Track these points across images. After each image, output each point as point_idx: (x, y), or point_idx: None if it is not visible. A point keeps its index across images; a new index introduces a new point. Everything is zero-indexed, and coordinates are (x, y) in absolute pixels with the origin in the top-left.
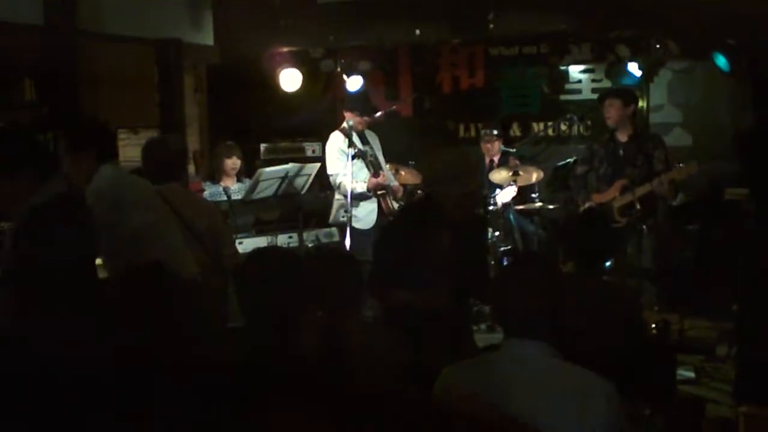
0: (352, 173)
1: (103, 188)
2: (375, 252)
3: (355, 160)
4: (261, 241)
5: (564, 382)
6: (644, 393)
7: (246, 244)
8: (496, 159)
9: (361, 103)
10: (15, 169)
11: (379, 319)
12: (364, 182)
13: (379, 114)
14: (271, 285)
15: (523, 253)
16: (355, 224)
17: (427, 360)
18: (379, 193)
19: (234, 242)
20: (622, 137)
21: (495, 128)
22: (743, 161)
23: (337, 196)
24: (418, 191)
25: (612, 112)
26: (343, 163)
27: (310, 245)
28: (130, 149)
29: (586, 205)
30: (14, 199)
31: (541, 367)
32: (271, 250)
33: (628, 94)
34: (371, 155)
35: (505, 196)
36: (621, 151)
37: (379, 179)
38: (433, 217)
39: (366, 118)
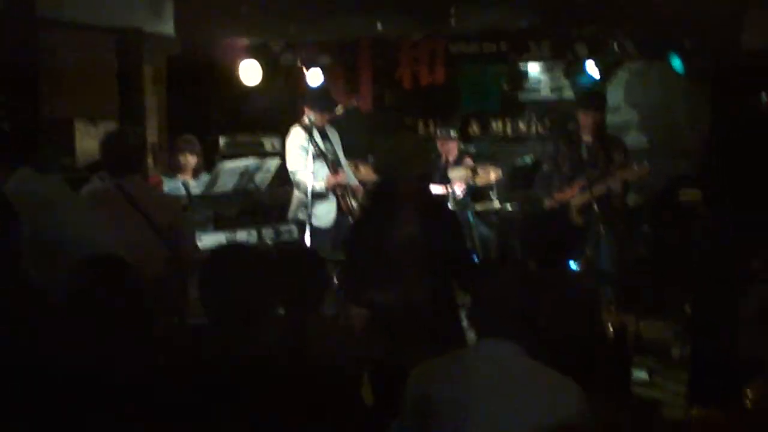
0: (312, 171)
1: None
2: (344, 254)
3: (315, 160)
4: (220, 237)
5: (535, 383)
6: (600, 393)
7: (205, 240)
8: (451, 158)
9: (322, 99)
10: None
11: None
12: (323, 180)
13: (339, 111)
14: (234, 281)
15: (496, 254)
16: (314, 222)
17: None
18: (338, 191)
19: (194, 237)
20: (586, 138)
21: (452, 128)
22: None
23: (296, 192)
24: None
25: (589, 121)
26: (303, 159)
27: (269, 241)
28: (88, 140)
29: (547, 202)
30: None
31: (513, 367)
32: (235, 246)
33: (602, 101)
34: (331, 152)
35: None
36: (584, 152)
37: (338, 178)
38: (396, 207)
39: (326, 115)
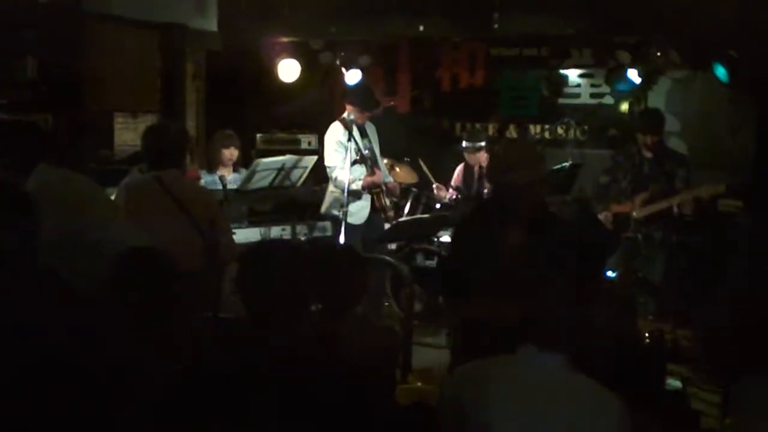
0: (349, 168)
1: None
2: (449, 257)
3: (352, 157)
4: (254, 233)
5: (576, 396)
6: (634, 401)
7: (239, 235)
8: (485, 164)
9: (363, 97)
10: None
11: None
12: (360, 179)
13: (378, 109)
14: (276, 276)
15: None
16: (348, 219)
17: None
18: (373, 191)
19: (230, 231)
20: (648, 153)
21: (479, 139)
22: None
23: (331, 188)
24: (413, 189)
25: (648, 141)
26: (341, 155)
27: (303, 238)
28: (127, 133)
29: (603, 214)
30: None
31: (557, 379)
32: (277, 242)
33: (661, 124)
34: (369, 150)
35: None
36: (645, 167)
37: (374, 178)
38: (507, 215)
39: (367, 113)
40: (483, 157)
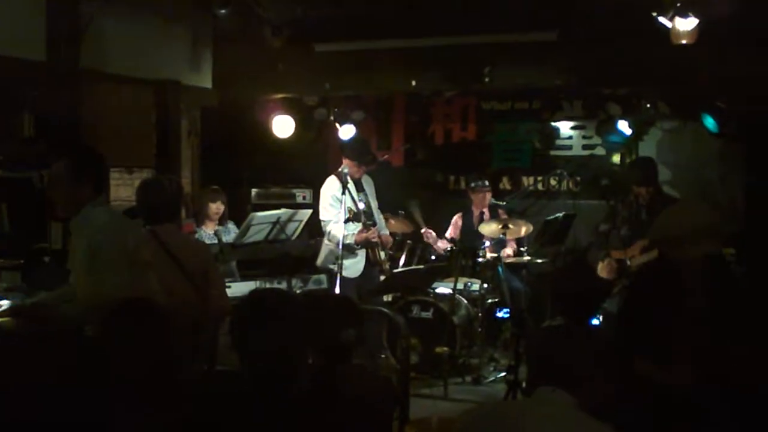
0: (344, 222)
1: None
2: (620, 314)
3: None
4: (249, 286)
5: None
6: None
7: (234, 289)
8: (486, 211)
9: (360, 151)
10: (86, 178)
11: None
12: (353, 235)
13: (373, 164)
14: (271, 327)
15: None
16: (343, 272)
17: None
18: (368, 246)
19: (224, 284)
20: (644, 202)
21: (485, 180)
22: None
23: (326, 241)
24: (408, 241)
25: (642, 192)
26: (336, 210)
27: (297, 291)
28: (123, 189)
29: (605, 261)
30: (78, 203)
31: (566, 422)
32: (272, 291)
33: (655, 177)
34: (365, 204)
35: (503, 251)
36: (643, 215)
37: (368, 234)
38: (684, 283)
39: (363, 167)
40: (486, 200)
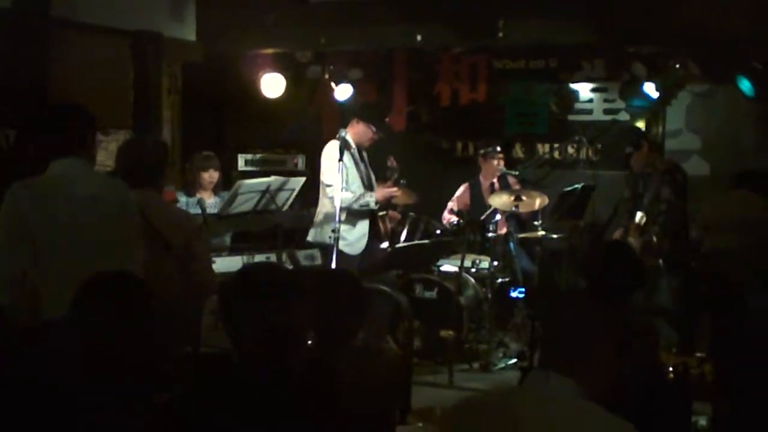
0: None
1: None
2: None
3: (350, 171)
4: (236, 261)
5: (583, 425)
6: None
7: (220, 264)
8: (496, 181)
9: (377, 113)
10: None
11: None
12: (371, 195)
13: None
14: (266, 304)
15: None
16: (343, 247)
17: None
18: (380, 213)
19: (209, 259)
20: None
21: (497, 146)
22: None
23: (324, 211)
24: (410, 213)
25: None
26: (340, 174)
27: (288, 267)
28: (99, 152)
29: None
30: None
31: (561, 406)
32: (264, 266)
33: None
34: (365, 171)
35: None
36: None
37: (390, 189)
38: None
39: (376, 134)
40: (498, 168)
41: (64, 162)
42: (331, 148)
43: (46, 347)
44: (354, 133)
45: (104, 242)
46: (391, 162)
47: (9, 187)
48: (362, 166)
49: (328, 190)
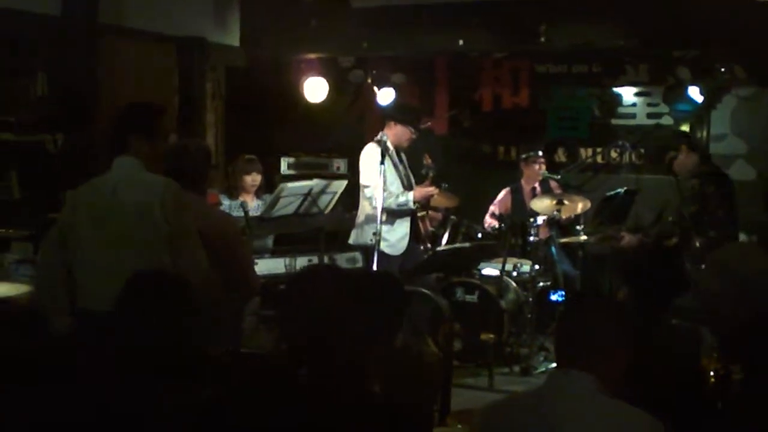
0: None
1: None
2: None
3: (388, 172)
4: (278, 263)
5: (610, 420)
6: None
7: (262, 266)
8: (538, 186)
9: (413, 115)
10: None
11: None
12: (409, 194)
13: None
14: (323, 307)
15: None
16: (385, 248)
17: None
18: (420, 213)
19: (251, 261)
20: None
21: (539, 151)
22: None
23: (365, 213)
24: (452, 216)
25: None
26: (379, 175)
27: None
28: None
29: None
30: None
31: (586, 403)
32: (326, 268)
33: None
34: (404, 174)
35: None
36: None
37: (429, 189)
38: None
39: (414, 134)
40: (540, 172)
41: (119, 161)
42: (369, 151)
43: (84, 341)
44: (392, 134)
45: (145, 241)
46: (427, 160)
47: (59, 190)
48: (401, 168)
49: (366, 191)
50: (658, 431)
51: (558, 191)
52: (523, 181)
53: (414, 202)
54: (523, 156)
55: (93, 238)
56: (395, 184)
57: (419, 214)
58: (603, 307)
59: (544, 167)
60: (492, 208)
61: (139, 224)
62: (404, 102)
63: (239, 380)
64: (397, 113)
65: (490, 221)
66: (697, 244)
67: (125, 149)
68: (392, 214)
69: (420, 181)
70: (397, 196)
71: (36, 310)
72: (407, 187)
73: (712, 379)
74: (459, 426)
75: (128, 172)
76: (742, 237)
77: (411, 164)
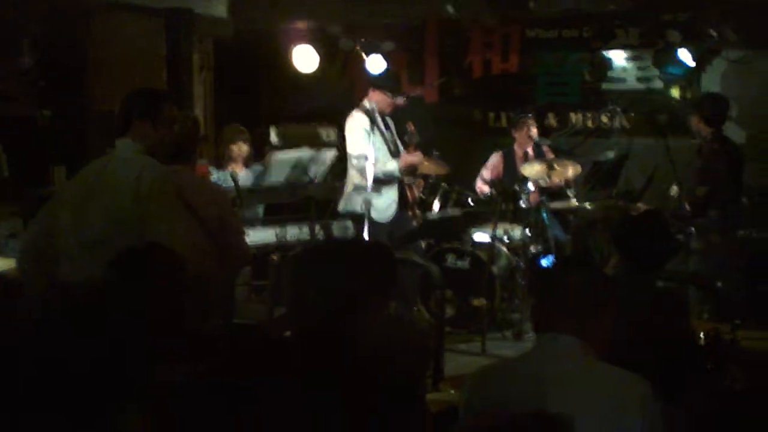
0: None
1: None
2: None
3: (375, 140)
4: (269, 233)
5: (598, 381)
6: (691, 404)
7: (253, 236)
8: (530, 150)
9: (392, 82)
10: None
11: None
12: (394, 162)
13: (403, 99)
14: (343, 280)
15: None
16: (372, 215)
17: None
18: (406, 179)
19: (242, 231)
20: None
21: (531, 114)
22: None
23: (352, 183)
24: (442, 184)
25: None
26: (366, 143)
27: (320, 238)
28: None
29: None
30: None
31: (575, 366)
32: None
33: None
34: (392, 141)
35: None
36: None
37: (414, 158)
38: None
39: (392, 100)
40: (532, 135)
41: (119, 142)
42: (354, 120)
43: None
44: (373, 101)
45: (136, 219)
46: (410, 127)
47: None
48: (387, 135)
49: (354, 161)
50: (647, 391)
51: (550, 156)
52: (516, 146)
53: (399, 171)
54: (513, 119)
55: (79, 213)
56: (382, 151)
57: (406, 182)
58: (585, 270)
59: (535, 130)
60: (483, 171)
61: (122, 202)
62: (386, 69)
63: (232, 352)
64: (376, 79)
65: (481, 186)
66: (712, 214)
67: (127, 132)
68: (379, 182)
69: (404, 149)
70: (385, 164)
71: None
72: (394, 154)
73: (702, 341)
74: (452, 391)
75: (123, 153)
76: None
77: (399, 132)
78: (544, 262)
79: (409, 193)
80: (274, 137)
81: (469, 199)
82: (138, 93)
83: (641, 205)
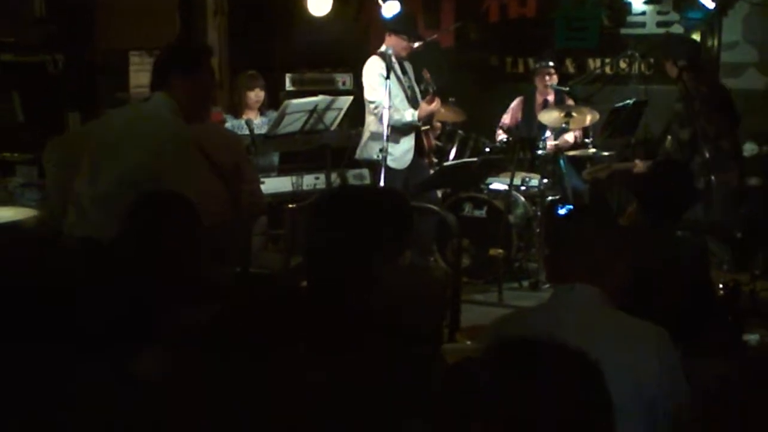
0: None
1: None
2: None
3: (392, 86)
4: (284, 182)
5: (616, 329)
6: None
7: (268, 185)
8: (550, 98)
9: (408, 25)
10: None
11: None
12: (409, 112)
13: (419, 43)
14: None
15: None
16: (389, 162)
17: None
18: (423, 127)
19: (258, 179)
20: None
21: (550, 60)
22: None
23: (370, 129)
24: (459, 131)
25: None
26: (383, 89)
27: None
28: (143, 74)
29: None
30: None
31: (592, 314)
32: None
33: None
34: (409, 87)
35: (562, 138)
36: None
37: (432, 106)
38: None
39: (409, 44)
40: (552, 83)
41: (153, 95)
42: (372, 65)
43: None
44: (390, 46)
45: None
46: (426, 75)
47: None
48: (405, 81)
49: (371, 107)
50: (664, 339)
51: (569, 103)
52: (537, 93)
53: (418, 120)
54: (535, 65)
55: (97, 167)
56: (399, 97)
57: (423, 128)
58: (597, 219)
59: (554, 78)
60: (504, 117)
61: (143, 161)
62: (402, 12)
63: (247, 299)
64: (391, 22)
65: (500, 134)
66: (707, 155)
67: (163, 86)
68: (396, 130)
69: (422, 97)
70: (403, 115)
71: (43, 233)
72: (411, 100)
73: (721, 291)
74: (468, 342)
75: (157, 111)
76: (752, 147)
77: (417, 78)
78: (562, 212)
79: (425, 141)
80: (289, 84)
81: (487, 148)
82: (180, 49)
83: (639, 162)
